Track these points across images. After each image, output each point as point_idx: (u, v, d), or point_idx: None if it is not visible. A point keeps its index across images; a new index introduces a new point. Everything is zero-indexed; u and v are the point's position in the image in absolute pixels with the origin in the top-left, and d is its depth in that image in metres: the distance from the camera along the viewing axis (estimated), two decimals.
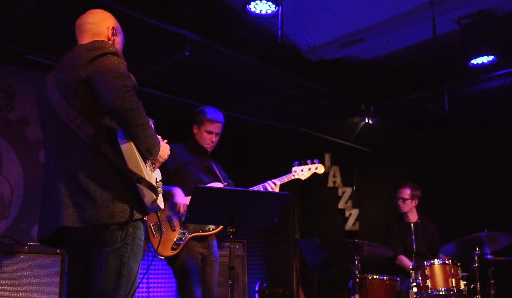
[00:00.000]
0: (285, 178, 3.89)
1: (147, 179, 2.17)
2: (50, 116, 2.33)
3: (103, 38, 2.44)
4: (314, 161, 4.01)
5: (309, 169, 3.98)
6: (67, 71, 2.29)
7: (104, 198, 2.15)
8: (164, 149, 2.40)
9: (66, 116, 2.23)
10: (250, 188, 3.68)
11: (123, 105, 2.11)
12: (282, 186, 3.92)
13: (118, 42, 2.52)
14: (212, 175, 3.92)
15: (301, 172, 3.95)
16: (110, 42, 2.45)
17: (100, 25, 2.47)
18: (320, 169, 4.03)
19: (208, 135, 3.89)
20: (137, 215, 2.21)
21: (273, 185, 3.79)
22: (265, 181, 3.91)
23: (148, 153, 2.22)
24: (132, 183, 2.18)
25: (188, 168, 3.83)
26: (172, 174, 3.76)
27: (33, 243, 3.90)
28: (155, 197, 2.19)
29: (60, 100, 2.26)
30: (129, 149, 2.18)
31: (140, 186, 2.17)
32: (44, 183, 2.36)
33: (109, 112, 2.16)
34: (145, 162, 2.25)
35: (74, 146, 2.22)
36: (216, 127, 3.91)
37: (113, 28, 2.50)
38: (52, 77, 2.37)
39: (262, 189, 3.75)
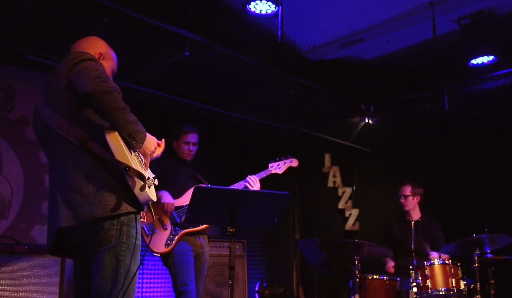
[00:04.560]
0: (263, 174, 4.12)
1: (134, 167, 2.20)
2: (44, 130, 2.40)
3: None
4: (288, 157, 4.25)
5: (285, 163, 4.22)
6: (52, 84, 2.39)
7: (96, 192, 2.20)
8: (151, 141, 2.39)
9: (55, 124, 2.31)
10: (232, 186, 3.91)
11: (95, 88, 2.15)
12: (281, 186, 4.03)
13: (107, 67, 2.59)
14: (195, 179, 4.14)
15: (278, 167, 4.18)
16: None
17: (89, 50, 2.55)
18: (295, 163, 4.27)
19: (186, 146, 4.18)
20: (129, 208, 2.24)
21: (252, 181, 3.99)
22: (265, 181, 4.07)
23: (132, 139, 2.22)
24: (121, 175, 2.22)
25: (172, 174, 4.08)
26: (159, 182, 3.88)
27: (33, 243, 3.90)
28: (143, 183, 2.21)
29: (49, 112, 2.34)
30: (114, 140, 2.21)
31: (129, 175, 2.19)
32: (49, 195, 2.43)
33: (83, 97, 2.19)
34: (131, 152, 2.27)
35: (65, 151, 2.29)
36: (192, 137, 4.20)
37: (100, 53, 2.60)
38: (41, 96, 2.47)
39: (243, 186, 3.97)
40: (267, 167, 4.16)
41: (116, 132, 2.22)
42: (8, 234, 4.18)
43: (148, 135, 2.36)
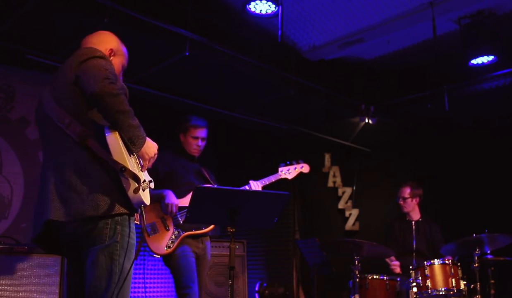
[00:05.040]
0: (272, 178, 4.01)
1: (131, 169, 2.20)
2: (45, 121, 2.40)
3: None
4: (299, 161, 4.13)
5: (295, 168, 4.11)
6: (60, 78, 2.39)
7: (89, 191, 2.20)
8: (151, 146, 2.38)
9: (56, 117, 2.31)
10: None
11: (102, 89, 2.16)
12: (281, 186, 3.97)
13: (117, 63, 2.58)
14: (201, 178, 4.03)
15: (288, 171, 4.08)
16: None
17: (99, 45, 2.53)
18: (306, 169, 4.16)
19: (194, 141, 3.99)
20: (121, 209, 2.24)
21: (255, 185, 3.88)
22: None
23: (131, 144, 2.24)
24: (117, 176, 2.23)
25: (178, 171, 3.94)
26: (162, 179, 3.85)
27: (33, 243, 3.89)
28: (137, 184, 2.21)
29: (53, 104, 2.35)
30: (114, 139, 2.22)
31: (124, 176, 2.20)
32: (39, 185, 2.42)
33: (90, 97, 2.20)
34: (130, 155, 2.28)
35: (63, 144, 2.29)
36: (201, 132, 4.01)
37: (111, 50, 2.58)
38: (48, 88, 2.46)
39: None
40: (277, 171, 4.04)
41: (117, 133, 2.23)
42: (8, 234, 4.18)
43: (149, 140, 2.36)
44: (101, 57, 2.35)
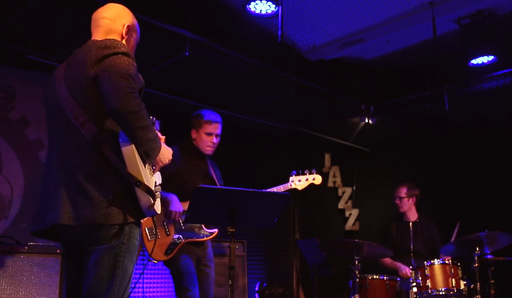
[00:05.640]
0: (282, 187, 3.87)
1: (146, 183, 2.16)
2: (56, 111, 2.31)
3: (117, 35, 2.45)
4: (312, 171, 3.99)
5: (306, 179, 3.96)
6: (77, 68, 2.27)
7: (102, 198, 2.14)
8: (165, 153, 2.37)
9: (71, 112, 2.22)
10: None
11: (124, 107, 2.08)
12: None
13: (132, 41, 2.52)
14: (208, 179, 3.90)
15: (298, 182, 3.93)
16: (123, 40, 2.46)
17: (116, 22, 2.45)
18: (317, 180, 4.01)
19: (208, 137, 3.84)
20: (132, 218, 2.20)
21: None
22: (265, 181, 3.92)
23: (146, 156, 2.21)
24: (130, 185, 2.17)
25: (184, 172, 3.80)
26: (168, 178, 3.72)
27: (33, 243, 3.89)
28: (152, 201, 2.18)
29: (67, 95, 2.25)
30: (130, 152, 2.17)
31: (138, 189, 2.15)
32: (44, 177, 2.34)
33: (110, 112, 2.13)
34: (145, 165, 2.25)
35: (76, 143, 2.21)
36: (215, 128, 3.86)
37: (128, 27, 2.49)
38: (62, 71, 2.36)
39: None
40: (288, 180, 3.88)
41: (133, 145, 2.18)
42: (8, 234, 4.18)
43: (164, 147, 2.35)
44: (124, 53, 2.23)
